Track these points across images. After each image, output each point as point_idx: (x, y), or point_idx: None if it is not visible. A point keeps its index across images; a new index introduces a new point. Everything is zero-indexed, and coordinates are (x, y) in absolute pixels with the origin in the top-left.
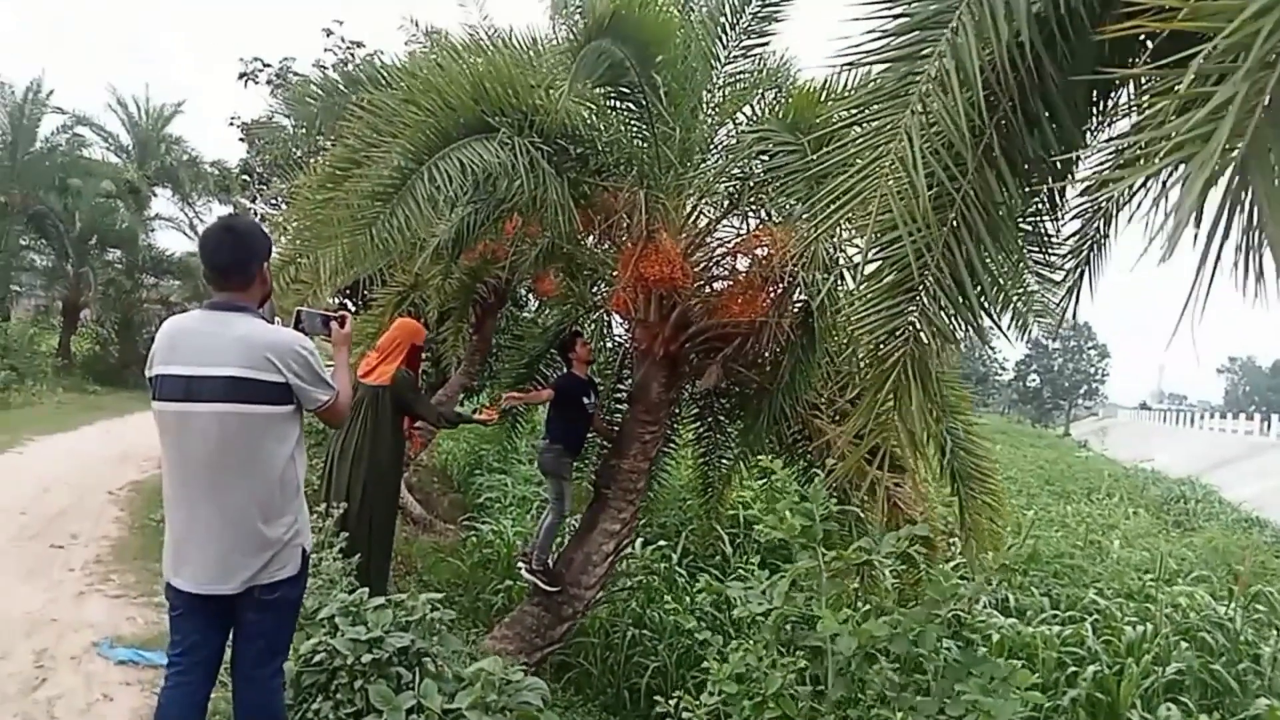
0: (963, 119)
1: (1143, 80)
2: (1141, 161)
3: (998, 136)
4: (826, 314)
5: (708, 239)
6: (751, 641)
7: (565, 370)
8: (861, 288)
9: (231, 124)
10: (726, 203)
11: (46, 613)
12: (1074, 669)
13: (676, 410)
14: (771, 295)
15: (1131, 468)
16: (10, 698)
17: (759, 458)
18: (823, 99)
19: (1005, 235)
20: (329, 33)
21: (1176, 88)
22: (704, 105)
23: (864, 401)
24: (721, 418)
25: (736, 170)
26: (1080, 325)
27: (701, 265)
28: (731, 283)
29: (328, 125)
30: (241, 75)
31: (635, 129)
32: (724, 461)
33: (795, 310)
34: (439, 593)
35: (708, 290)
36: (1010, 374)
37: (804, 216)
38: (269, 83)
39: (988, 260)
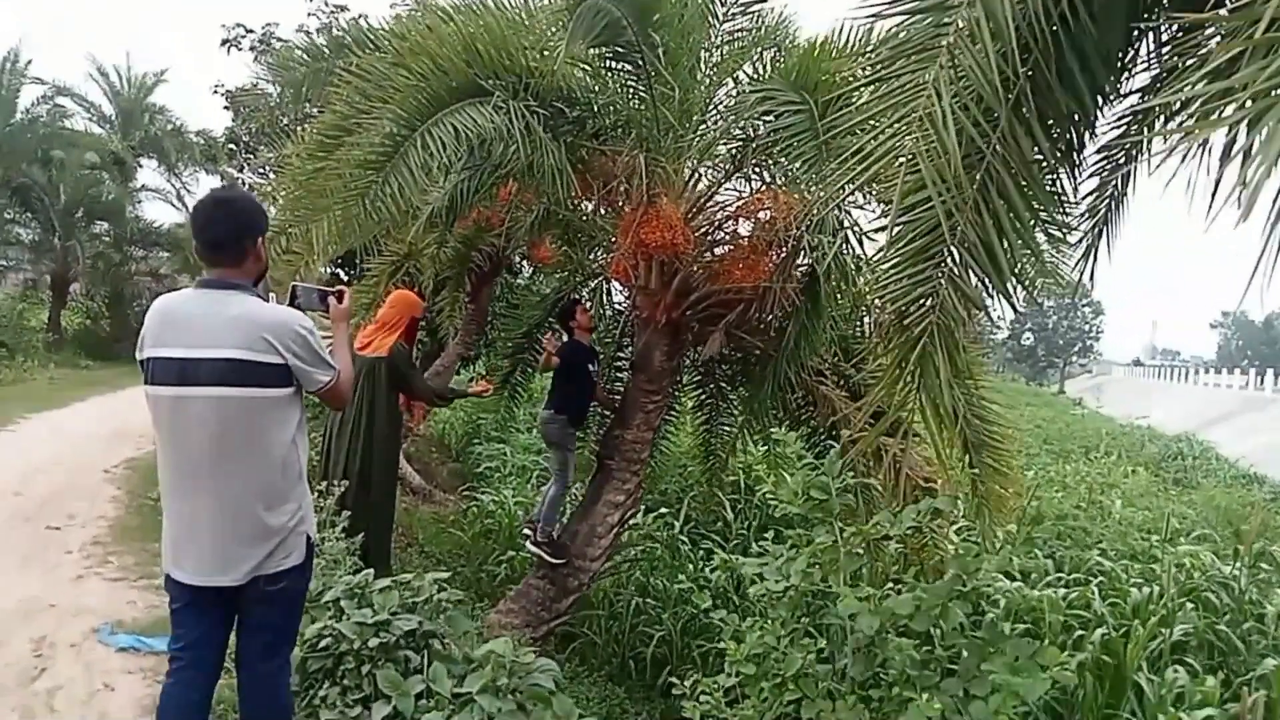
0: (994, 72)
1: (1176, 30)
2: (1184, 115)
3: (1030, 90)
4: (832, 278)
5: (709, 203)
6: (768, 620)
7: (567, 338)
8: (883, 254)
9: (215, 92)
10: (729, 165)
11: (44, 598)
12: (1080, 632)
13: (678, 378)
14: (774, 260)
15: (1127, 425)
16: (8, 689)
17: (763, 425)
18: (830, 54)
19: (1036, 195)
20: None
21: (1246, 34)
22: (702, 64)
23: (885, 372)
24: (724, 385)
25: (738, 131)
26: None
27: (703, 230)
28: (733, 247)
29: (314, 91)
30: (224, 42)
31: (633, 90)
32: (726, 428)
33: (799, 275)
34: (441, 564)
35: (709, 256)
36: (1004, 332)
37: (810, 178)
38: (252, 49)
39: (1015, 222)
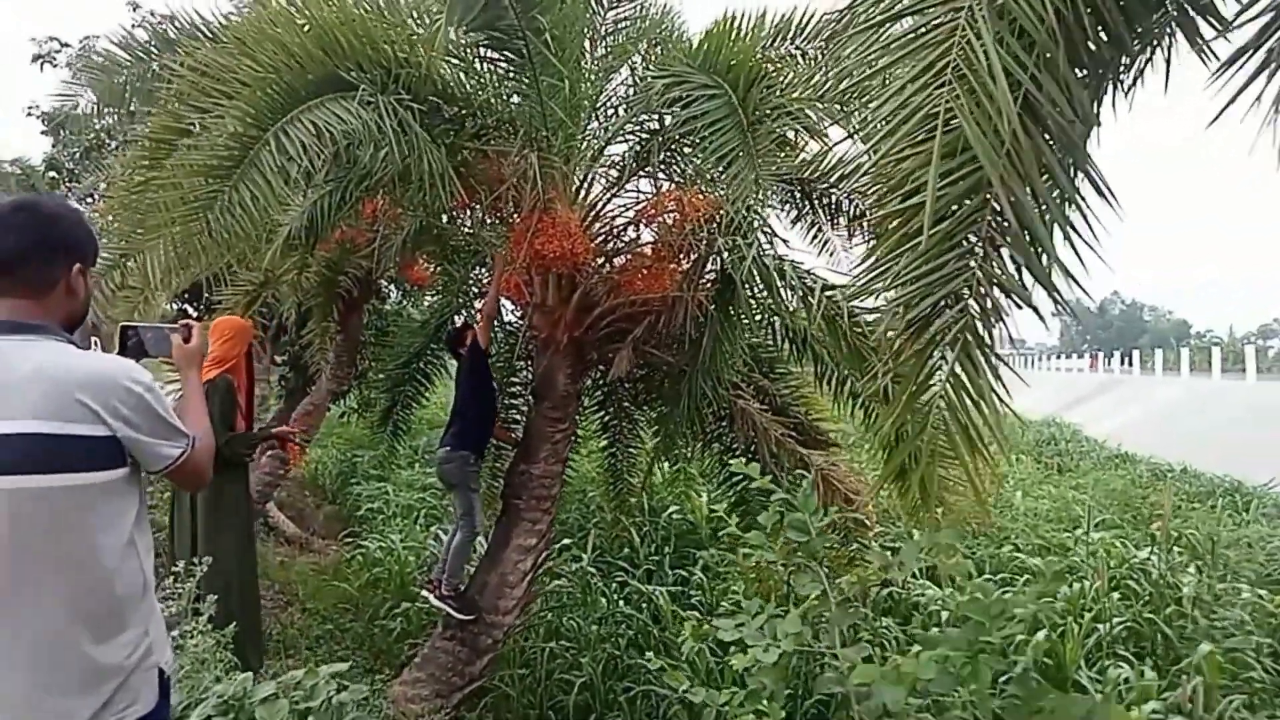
0: (1049, 6)
1: None
2: None
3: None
4: (748, 284)
5: (606, 208)
6: (745, 693)
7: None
8: (885, 248)
9: (30, 114)
10: (629, 165)
11: None
12: (1020, 636)
13: (582, 402)
14: (680, 268)
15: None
16: None
17: (676, 445)
18: (748, 34)
19: (1079, 158)
20: (135, 6)
21: None
22: (588, 56)
23: (903, 384)
24: (628, 404)
25: (636, 126)
26: None
27: (600, 238)
28: (633, 256)
29: (141, 99)
30: (36, 58)
31: (517, 82)
32: (632, 451)
33: (709, 283)
34: (327, 622)
35: (608, 267)
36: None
37: (728, 173)
38: (69, 65)
39: (1059, 195)
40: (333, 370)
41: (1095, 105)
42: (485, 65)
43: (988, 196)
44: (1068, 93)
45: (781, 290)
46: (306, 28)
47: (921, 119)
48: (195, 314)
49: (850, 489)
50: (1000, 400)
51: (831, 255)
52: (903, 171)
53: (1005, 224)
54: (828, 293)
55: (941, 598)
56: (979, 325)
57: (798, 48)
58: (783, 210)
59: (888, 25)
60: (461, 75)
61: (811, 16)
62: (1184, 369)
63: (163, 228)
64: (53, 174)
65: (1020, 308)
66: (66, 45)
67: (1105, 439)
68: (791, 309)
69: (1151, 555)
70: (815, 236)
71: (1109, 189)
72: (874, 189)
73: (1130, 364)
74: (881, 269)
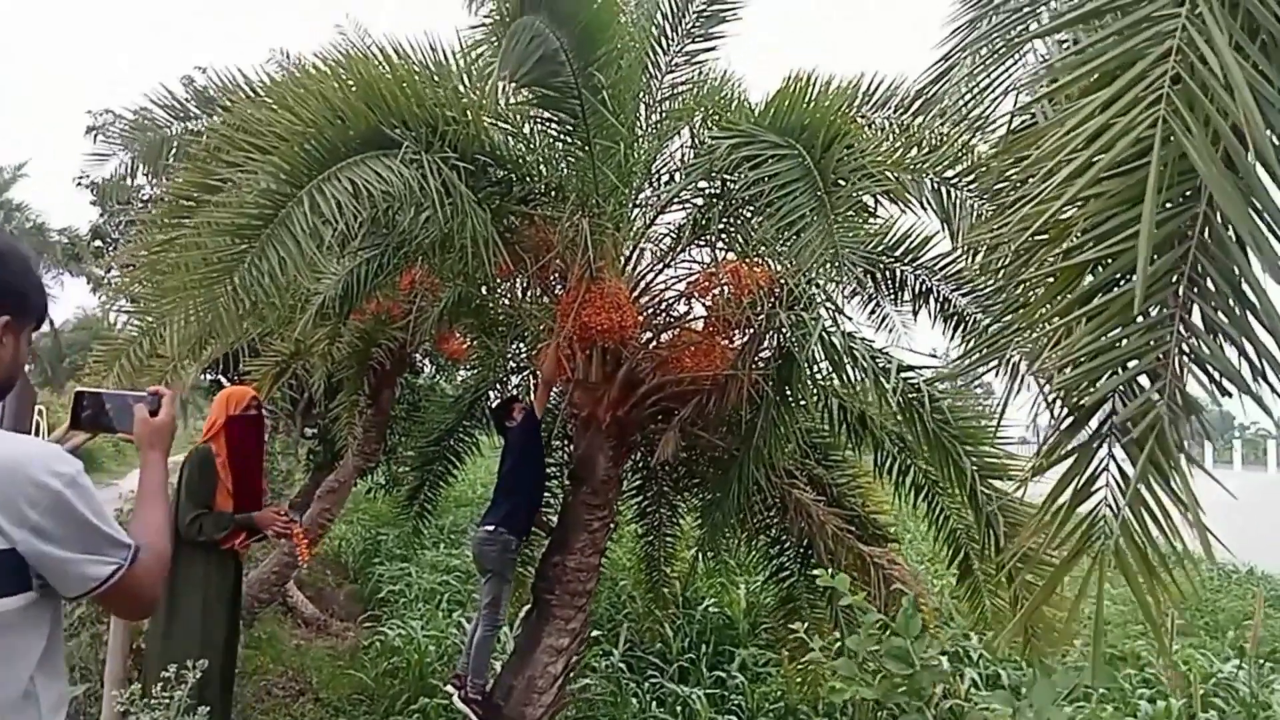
0: None
1: None
2: None
3: None
4: (810, 363)
5: (655, 279)
6: None
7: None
8: (1035, 320)
9: (80, 184)
10: (685, 233)
11: None
12: None
13: (621, 487)
14: (732, 344)
15: None
16: None
17: (724, 536)
18: (823, 93)
19: None
20: (191, 81)
21: None
22: (644, 119)
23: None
24: (668, 490)
25: (696, 192)
26: None
27: (648, 311)
28: (682, 331)
29: (179, 159)
30: (90, 129)
31: (570, 145)
32: (669, 539)
33: (765, 361)
34: (340, 714)
35: (654, 342)
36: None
37: (795, 241)
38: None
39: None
40: (360, 446)
41: None
42: (536, 125)
43: (1190, 249)
44: None
45: (850, 370)
46: (352, 84)
47: (1109, 147)
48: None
49: (911, 588)
50: (1189, 515)
51: (891, 333)
52: (1066, 222)
53: (1207, 283)
54: (904, 374)
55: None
56: (1168, 418)
57: (863, 115)
58: (841, 285)
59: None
60: (510, 138)
61: (880, 83)
62: (1236, 462)
63: (184, 291)
64: (98, 242)
65: (1232, 390)
66: (121, 117)
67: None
68: (859, 391)
69: (1240, 668)
70: (873, 313)
71: None
72: (991, 257)
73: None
74: (998, 346)
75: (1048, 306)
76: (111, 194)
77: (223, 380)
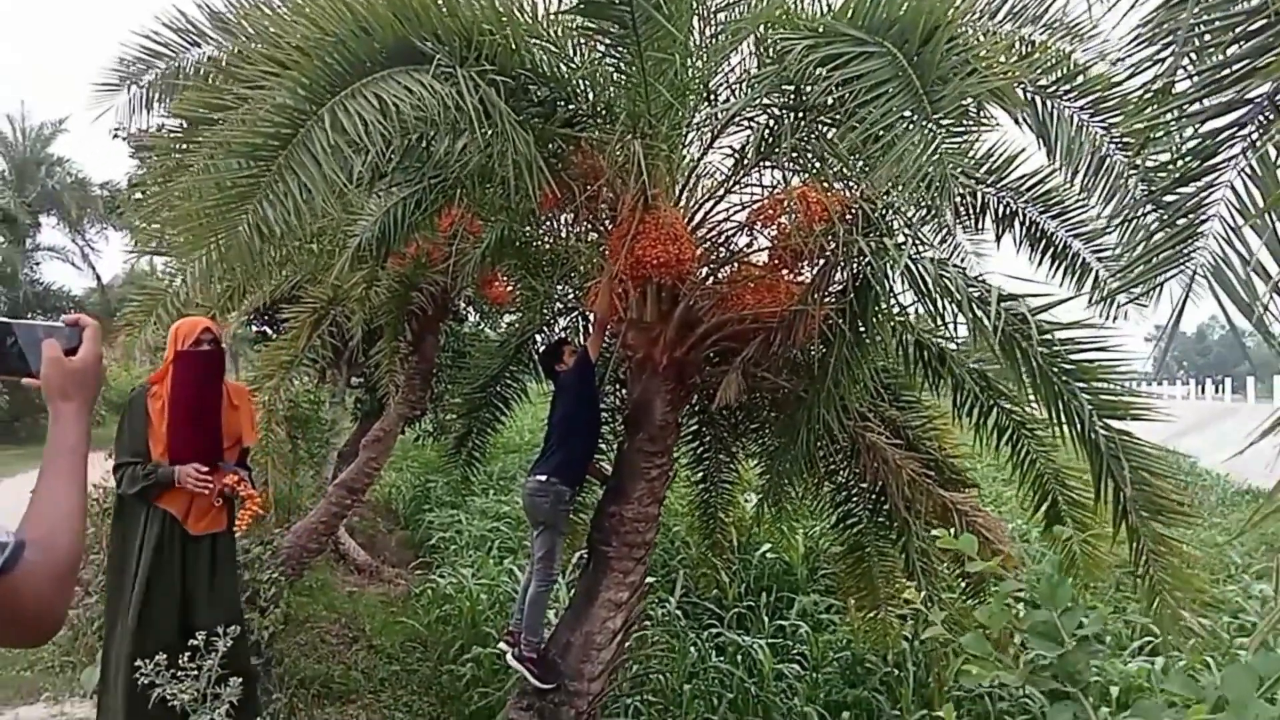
0: None
1: None
2: None
3: None
4: (886, 296)
5: (715, 208)
6: None
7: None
8: None
9: (117, 136)
10: (751, 154)
11: None
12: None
13: (680, 432)
14: (798, 278)
15: None
16: None
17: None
18: None
19: None
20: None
21: None
22: (699, 30)
23: None
24: (725, 435)
25: (760, 106)
26: None
27: (705, 244)
28: (743, 264)
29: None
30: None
31: (619, 58)
32: (726, 485)
33: (837, 294)
34: (394, 661)
35: (712, 279)
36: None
37: (885, 151)
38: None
39: None
40: (404, 394)
41: None
42: (581, 38)
43: None
44: None
45: (939, 301)
46: None
47: None
48: (272, 334)
49: (998, 538)
50: None
51: (962, 262)
52: None
53: None
54: (1005, 304)
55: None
56: None
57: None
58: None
59: None
60: (553, 53)
61: None
62: (1277, 397)
63: (199, 222)
64: (139, 195)
65: None
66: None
67: (1226, 473)
68: (945, 324)
69: None
70: (943, 241)
71: None
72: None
73: (1243, 391)
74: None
75: None
76: (151, 147)
77: (268, 331)
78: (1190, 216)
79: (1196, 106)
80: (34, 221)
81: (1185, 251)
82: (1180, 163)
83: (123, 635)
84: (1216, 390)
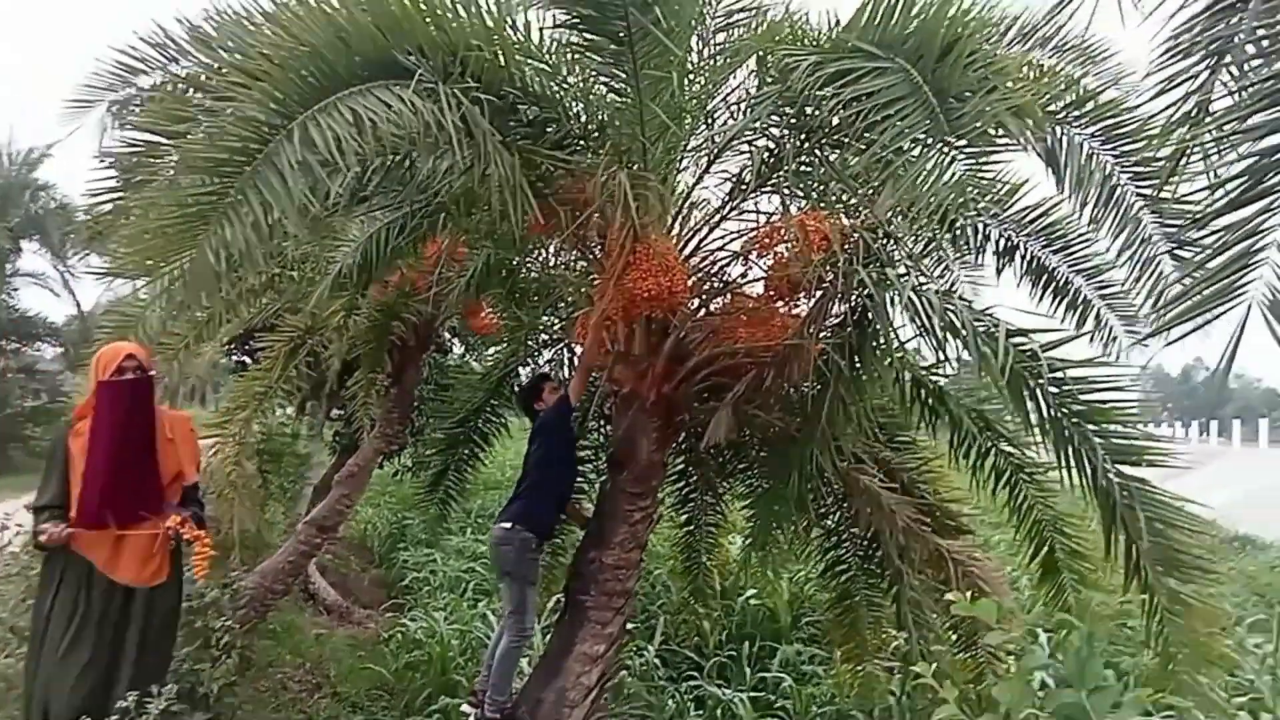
0: None
1: None
2: None
3: None
4: (884, 331)
5: (707, 238)
6: None
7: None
8: None
9: (101, 163)
10: (750, 177)
11: None
12: None
13: (665, 473)
14: (794, 310)
15: None
16: None
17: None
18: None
19: None
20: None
21: None
22: (698, 50)
23: None
24: (712, 475)
25: (759, 128)
26: None
27: (698, 275)
28: (735, 296)
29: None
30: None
31: (616, 74)
32: (711, 530)
33: (833, 328)
34: (358, 710)
35: (703, 310)
36: None
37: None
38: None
39: None
40: (381, 427)
41: None
42: (572, 57)
43: None
44: None
45: (941, 334)
46: (364, 7)
47: None
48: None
49: (996, 589)
50: None
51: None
52: None
53: None
54: (1014, 340)
55: None
56: None
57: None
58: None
59: None
60: (545, 71)
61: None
62: (1262, 440)
63: (160, 241)
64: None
65: None
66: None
67: (1214, 518)
68: (946, 361)
69: None
70: (941, 276)
71: None
72: None
73: (1227, 434)
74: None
75: None
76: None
77: (247, 361)
78: (1247, 243)
79: (1235, 123)
80: (14, 247)
81: (1240, 282)
82: (1227, 187)
83: (39, 697)
84: (1202, 433)
